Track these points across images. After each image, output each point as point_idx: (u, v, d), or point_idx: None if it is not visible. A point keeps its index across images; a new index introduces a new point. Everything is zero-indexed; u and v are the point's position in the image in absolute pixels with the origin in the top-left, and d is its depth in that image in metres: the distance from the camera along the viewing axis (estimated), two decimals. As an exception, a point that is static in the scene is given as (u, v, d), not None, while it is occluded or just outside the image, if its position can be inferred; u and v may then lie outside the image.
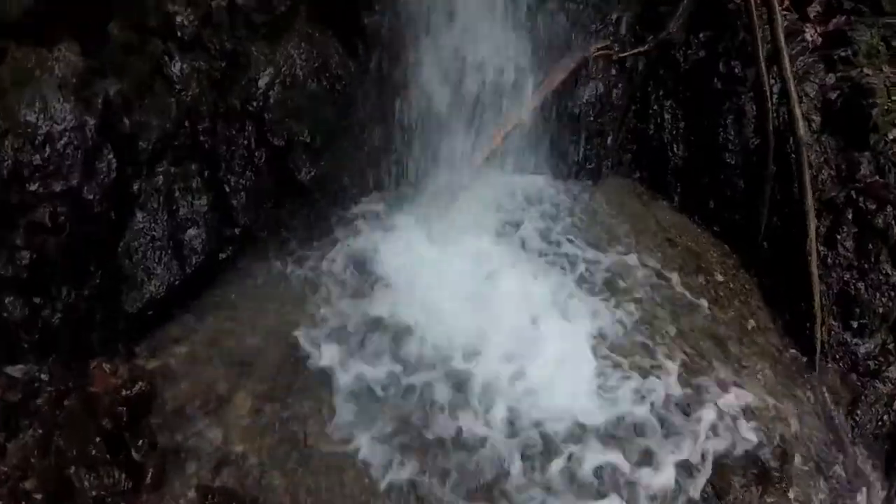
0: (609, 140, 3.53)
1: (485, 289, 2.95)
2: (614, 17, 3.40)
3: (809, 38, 3.29)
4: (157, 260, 2.76)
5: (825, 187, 3.17)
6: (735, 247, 3.37)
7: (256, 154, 2.98)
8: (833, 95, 3.21)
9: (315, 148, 3.10)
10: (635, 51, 3.45)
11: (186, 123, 2.81)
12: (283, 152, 3.03)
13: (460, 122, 3.20)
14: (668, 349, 2.86)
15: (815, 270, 3.05)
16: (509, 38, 3.13)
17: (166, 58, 2.73)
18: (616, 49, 3.41)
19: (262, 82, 2.93)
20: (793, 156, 3.13)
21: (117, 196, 2.66)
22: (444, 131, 3.20)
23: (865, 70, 3.16)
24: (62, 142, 2.49)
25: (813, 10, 3.34)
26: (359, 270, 3.03)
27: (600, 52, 3.37)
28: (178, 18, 2.71)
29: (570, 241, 3.22)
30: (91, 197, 2.57)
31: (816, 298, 3.03)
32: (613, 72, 3.46)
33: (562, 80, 3.29)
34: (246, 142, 2.96)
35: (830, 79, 3.23)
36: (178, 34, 2.72)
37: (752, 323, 3.12)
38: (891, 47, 3.22)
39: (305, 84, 3.02)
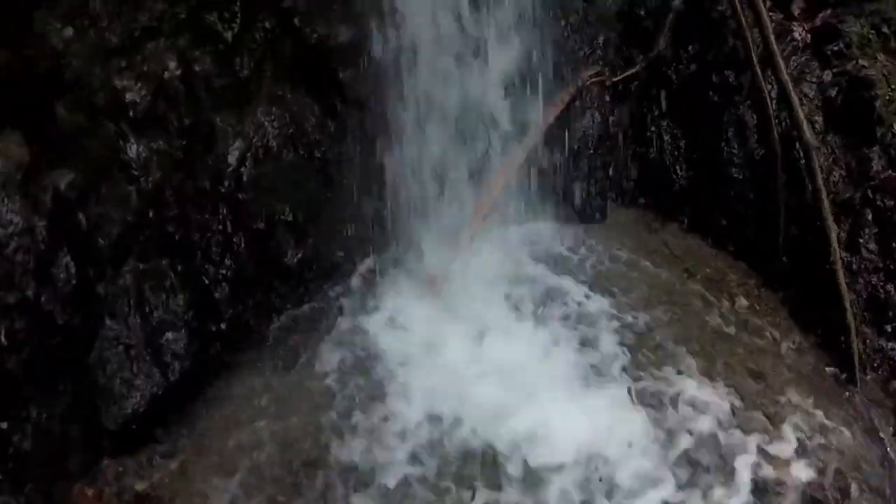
0: (611, 171, 3.36)
1: (495, 391, 2.61)
2: (601, 39, 3.27)
3: (799, 37, 3.17)
4: (134, 370, 2.43)
5: (838, 189, 3.01)
6: (754, 264, 3.19)
7: (235, 239, 2.70)
8: (832, 92, 3.09)
9: (299, 226, 2.84)
10: (628, 73, 3.30)
11: (151, 213, 2.52)
12: (264, 234, 2.77)
13: (456, 173, 2.99)
14: (705, 389, 2.66)
15: (842, 280, 2.88)
16: (498, 77, 2.96)
17: (120, 141, 2.44)
18: (608, 74, 3.26)
19: (231, 158, 2.67)
20: (802, 161, 2.98)
21: (81, 303, 2.33)
22: (439, 186, 2.98)
23: (861, 62, 3.05)
24: (11, 248, 2.15)
25: (797, 6, 3.23)
26: (356, 363, 2.71)
27: (593, 79, 3.21)
28: (129, 95, 2.42)
29: (581, 302, 2.96)
30: (51, 307, 2.24)
31: (847, 308, 2.85)
32: (607, 98, 3.31)
33: (557, 115, 3.10)
34: (221, 226, 2.68)
35: (827, 76, 3.11)
36: (131, 113, 2.43)
37: (784, 346, 2.93)
38: (882, 34, 3.11)
39: (280, 155, 2.78)
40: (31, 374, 2.18)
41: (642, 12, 3.36)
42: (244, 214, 2.72)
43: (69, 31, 2.22)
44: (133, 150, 2.46)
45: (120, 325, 2.43)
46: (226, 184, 2.67)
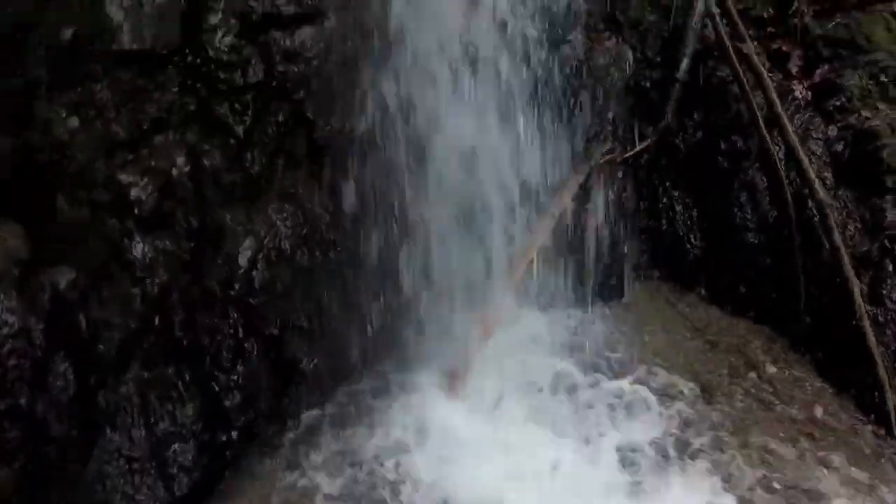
0: (625, 247, 3.27)
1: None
2: (610, 115, 3.24)
3: (800, 95, 3.20)
4: (137, 484, 2.17)
5: (855, 243, 2.98)
6: (777, 328, 3.11)
7: (247, 345, 2.50)
8: (839, 147, 3.11)
9: (314, 332, 2.66)
10: (639, 147, 3.26)
11: (157, 319, 2.32)
12: (277, 340, 2.58)
13: (473, 264, 2.85)
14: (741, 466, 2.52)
15: (870, 334, 2.80)
16: (511, 164, 2.89)
17: (125, 239, 2.27)
18: (619, 150, 3.22)
19: (242, 259, 2.50)
20: (816, 219, 2.96)
21: (79, 412, 2.09)
22: (456, 280, 2.82)
23: (863, 113, 3.08)
24: (4, 350, 1.95)
25: (794, 65, 3.29)
26: (365, 478, 2.46)
27: (605, 157, 3.16)
28: (134, 191, 2.27)
29: (609, 388, 2.83)
30: (46, 416, 2.00)
31: (878, 363, 2.76)
32: (619, 174, 3.27)
33: (572, 197, 3.03)
34: (232, 331, 2.48)
35: (832, 131, 3.13)
36: (136, 210, 2.28)
37: (819, 410, 2.82)
38: (880, 84, 3.15)
39: (294, 258, 2.61)
40: (22, 486, 1.91)
41: (648, 84, 3.38)
42: (256, 319, 2.54)
43: (75, 122, 2.13)
44: (138, 249, 2.29)
45: (122, 436, 2.18)
46: (236, 287, 2.49)
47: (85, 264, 2.20)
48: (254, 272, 2.54)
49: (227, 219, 2.51)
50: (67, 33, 2.06)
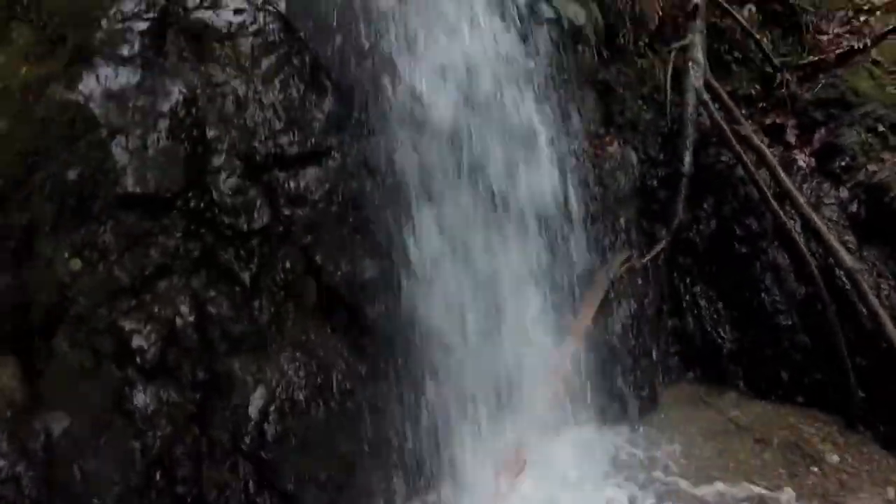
0: (654, 354, 3.08)
1: None
2: (622, 221, 3.18)
3: (804, 163, 3.18)
4: None
5: (892, 302, 2.82)
6: (829, 409, 2.90)
7: (259, 500, 2.26)
8: (854, 208, 3.03)
9: (335, 483, 2.41)
10: (656, 250, 3.14)
11: (158, 474, 2.12)
12: (293, 495, 2.32)
13: (499, 391, 2.66)
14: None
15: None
16: (529, 285, 2.80)
17: (126, 388, 2.13)
18: (636, 257, 3.12)
19: (252, 411, 2.32)
20: (848, 287, 2.83)
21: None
22: (482, 410, 2.63)
23: (870, 168, 3.03)
24: (-9, 498, 1.80)
25: (791, 135, 3.27)
26: None
27: (624, 267, 3.05)
28: (136, 340, 2.17)
29: None
30: None
31: None
32: (639, 281, 3.13)
33: (595, 312, 2.87)
34: (243, 484, 2.25)
35: (843, 193, 3.07)
36: (138, 359, 2.16)
37: (891, 492, 2.58)
38: (879, 134, 3.12)
39: (309, 411, 2.42)
40: None
41: (655, 183, 3.37)
42: (269, 473, 2.30)
43: (77, 264, 2.09)
44: (140, 399, 2.15)
45: None
46: (247, 440, 2.29)
47: (82, 411, 2.06)
48: (265, 424, 2.35)
49: (236, 368, 2.37)
50: (73, 174, 2.10)
